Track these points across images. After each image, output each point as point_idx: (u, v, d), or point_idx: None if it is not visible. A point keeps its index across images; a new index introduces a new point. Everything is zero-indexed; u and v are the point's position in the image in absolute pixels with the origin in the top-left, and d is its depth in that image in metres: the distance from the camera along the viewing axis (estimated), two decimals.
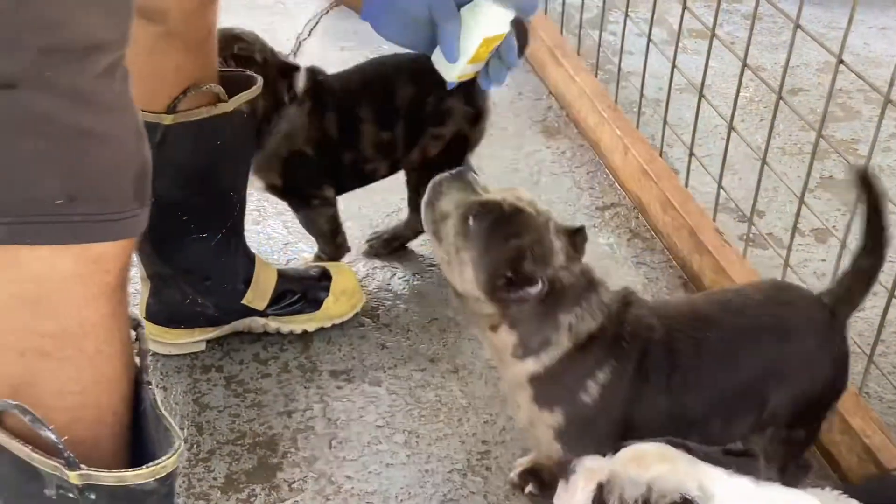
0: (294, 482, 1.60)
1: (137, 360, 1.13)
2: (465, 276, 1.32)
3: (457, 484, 1.61)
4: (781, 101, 1.73)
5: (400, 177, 2.31)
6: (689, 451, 1.10)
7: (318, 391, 1.76)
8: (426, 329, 1.90)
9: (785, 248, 1.79)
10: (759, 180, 1.84)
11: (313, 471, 1.62)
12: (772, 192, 2.24)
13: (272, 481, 1.60)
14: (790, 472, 1.48)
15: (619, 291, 1.40)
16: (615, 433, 1.36)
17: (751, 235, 1.93)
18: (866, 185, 1.35)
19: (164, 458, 1.03)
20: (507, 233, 1.30)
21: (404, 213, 2.19)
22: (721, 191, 1.98)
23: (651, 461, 1.08)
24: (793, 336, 1.39)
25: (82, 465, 1.00)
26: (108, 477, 1.02)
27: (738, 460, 1.10)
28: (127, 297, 1.11)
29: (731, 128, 1.88)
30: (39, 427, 0.98)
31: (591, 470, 1.11)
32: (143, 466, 1.02)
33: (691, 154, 2.05)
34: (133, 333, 1.13)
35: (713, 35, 1.90)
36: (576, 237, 1.36)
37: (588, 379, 1.33)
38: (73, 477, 1.01)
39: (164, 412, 1.09)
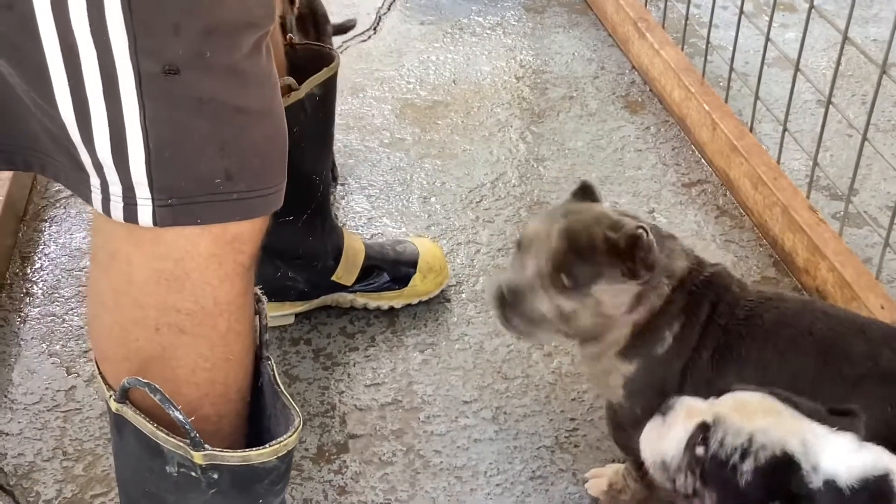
0: (384, 455, 1.62)
1: (257, 335, 1.14)
2: (617, 300, 1.31)
3: (545, 461, 1.60)
4: (883, 76, 1.68)
5: (481, 151, 2.30)
6: (795, 405, 1.08)
7: (404, 365, 1.77)
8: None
9: (882, 228, 1.74)
10: (859, 156, 1.79)
11: (402, 444, 1.63)
12: (865, 169, 2.17)
13: (363, 454, 1.62)
14: None
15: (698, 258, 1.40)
16: (667, 391, 1.32)
17: (848, 213, 1.88)
18: None
19: (284, 436, 1.04)
20: (591, 246, 1.28)
21: (488, 189, 2.19)
22: (812, 168, 1.92)
23: (755, 411, 1.06)
24: (890, 384, 1.23)
25: (207, 446, 1.02)
26: (233, 457, 1.03)
27: (842, 419, 1.08)
28: (254, 277, 1.12)
29: (829, 102, 1.83)
30: (168, 406, 1.00)
31: (692, 408, 1.10)
32: (266, 445, 1.03)
33: (784, 129, 2.00)
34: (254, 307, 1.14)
35: (811, 7, 1.85)
36: (589, 194, 1.42)
37: (667, 329, 1.32)
38: (197, 457, 1.02)
39: (282, 388, 1.10)
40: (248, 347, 1.11)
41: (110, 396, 1.06)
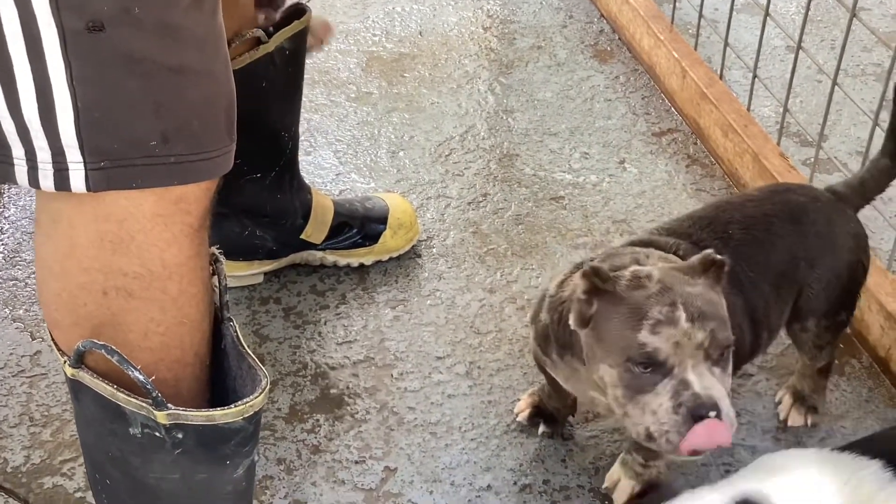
0: (357, 413, 1.60)
1: (216, 297, 1.12)
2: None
3: None
4: (852, 21, 1.66)
5: (449, 104, 2.27)
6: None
7: (376, 322, 1.76)
8: (482, 260, 1.88)
9: (851, 173, 1.73)
10: (829, 102, 1.77)
11: (375, 402, 1.62)
12: (835, 115, 2.17)
13: (335, 412, 1.60)
14: (832, 352, 1.51)
15: (642, 239, 1.36)
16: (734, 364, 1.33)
17: (818, 159, 1.87)
18: None
19: (251, 396, 1.02)
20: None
21: (457, 142, 2.16)
22: (782, 114, 1.91)
23: None
24: (802, 218, 1.39)
25: (170, 405, 1.00)
26: (197, 416, 1.01)
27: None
28: (207, 238, 1.09)
29: (798, 47, 1.81)
30: (126, 367, 0.97)
31: None
32: (231, 405, 1.01)
33: (754, 76, 1.98)
34: (210, 268, 1.11)
35: None
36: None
37: None
38: (160, 416, 1.00)
39: (247, 349, 1.08)
40: (203, 310, 1.08)
41: (65, 362, 1.04)
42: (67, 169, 0.94)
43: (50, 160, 0.94)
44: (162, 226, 1.00)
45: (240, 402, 1.02)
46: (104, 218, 0.98)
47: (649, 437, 1.17)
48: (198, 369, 1.09)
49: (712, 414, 1.12)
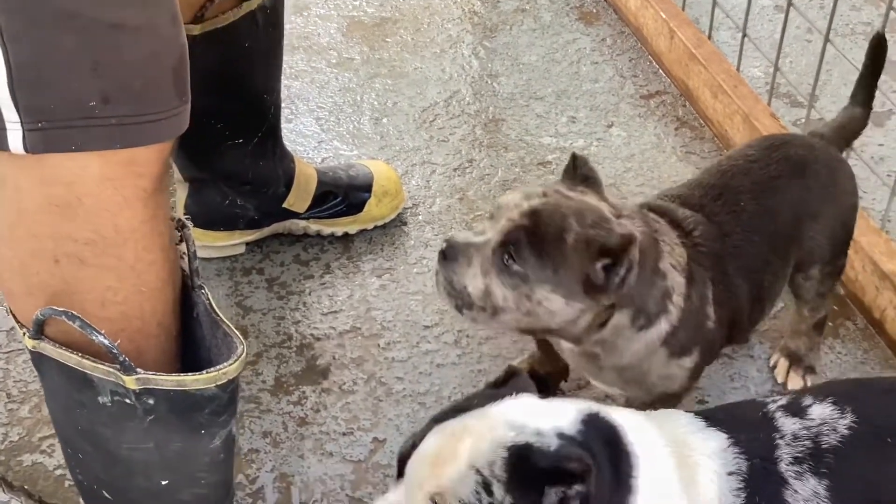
0: (344, 384, 1.57)
1: (185, 264, 1.07)
2: (554, 307, 1.16)
3: None
4: None
5: (433, 69, 2.22)
6: (460, 410, 0.98)
7: (361, 292, 1.72)
8: (470, 226, 1.84)
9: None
10: (821, 60, 1.74)
11: (363, 372, 1.59)
12: (825, 75, 2.13)
13: (322, 383, 1.57)
14: (826, 305, 1.50)
15: (650, 205, 1.32)
16: (723, 342, 1.32)
17: (809, 119, 1.84)
18: (878, 50, 1.49)
19: (225, 364, 0.98)
20: (557, 236, 1.14)
21: (441, 107, 2.11)
22: (771, 74, 1.87)
23: (450, 450, 0.94)
24: (805, 172, 1.37)
25: (139, 370, 0.96)
26: (167, 381, 0.97)
27: (505, 387, 1.01)
28: (167, 202, 1.05)
29: (789, 4, 1.77)
30: (90, 332, 0.93)
31: None
32: (204, 371, 0.98)
33: (744, 35, 1.94)
34: (178, 235, 1.07)
35: None
36: (580, 168, 1.24)
37: (707, 307, 1.26)
38: (129, 382, 0.96)
39: (221, 316, 1.04)
40: (164, 278, 1.04)
41: (24, 334, 1.00)
42: (5, 129, 0.90)
43: None
44: (111, 189, 0.95)
45: (212, 369, 0.98)
46: (50, 181, 0.94)
47: None
48: (163, 340, 1.05)
49: (443, 245, 1.18)
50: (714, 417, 1.05)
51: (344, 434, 1.50)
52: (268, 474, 1.45)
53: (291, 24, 2.33)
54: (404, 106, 2.12)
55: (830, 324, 1.58)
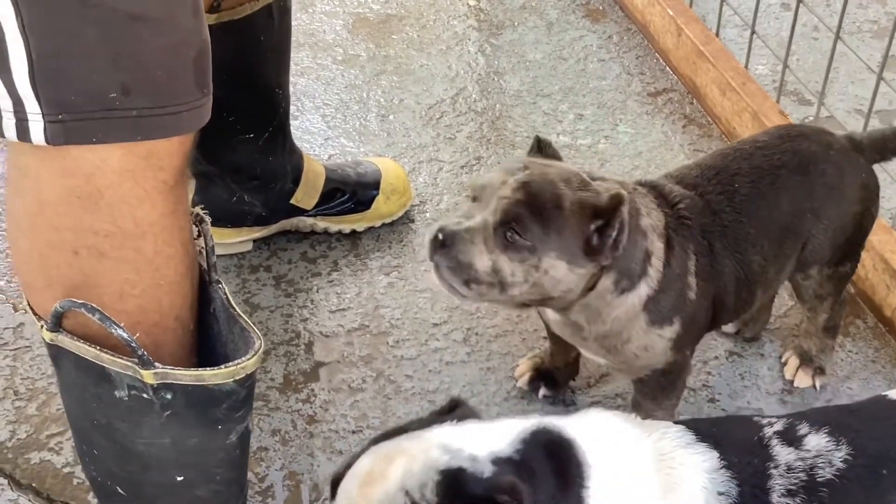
0: (353, 382, 1.56)
1: (203, 258, 1.07)
2: (559, 274, 1.16)
3: None
4: None
5: (439, 66, 2.21)
6: (402, 431, 0.96)
7: (370, 289, 1.71)
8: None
9: (852, 131, 1.69)
10: (832, 57, 1.73)
11: (371, 370, 1.58)
12: (832, 73, 2.12)
13: (331, 381, 1.56)
14: (836, 309, 1.47)
15: (642, 181, 1.32)
16: (712, 318, 1.30)
17: (819, 117, 1.83)
18: None
19: (243, 358, 0.97)
20: (555, 204, 1.14)
21: (448, 104, 2.11)
22: (778, 72, 1.87)
23: (382, 470, 0.91)
24: (811, 168, 1.34)
25: (157, 364, 0.95)
26: (186, 375, 0.96)
27: (449, 415, 0.98)
28: (186, 196, 1.04)
29: (799, 1, 1.76)
30: (109, 325, 0.92)
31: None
32: (222, 366, 0.97)
33: (752, 32, 1.94)
34: (196, 230, 1.06)
35: None
36: (545, 150, 1.25)
37: (688, 277, 1.26)
38: (147, 376, 0.95)
39: (238, 311, 1.03)
40: (182, 272, 1.03)
41: (42, 327, 0.99)
42: (27, 119, 0.89)
43: (11, 108, 0.89)
44: (132, 181, 0.95)
45: (231, 364, 0.97)
46: (71, 173, 0.93)
47: None
48: (179, 334, 1.04)
49: (439, 237, 1.15)
50: (706, 432, 1.02)
51: (353, 432, 1.49)
52: (277, 472, 1.44)
53: (297, 20, 2.32)
54: (411, 103, 2.12)
55: (841, 322, 1.57)
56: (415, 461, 0.90)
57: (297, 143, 1.77)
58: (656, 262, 1.22)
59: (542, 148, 1.25)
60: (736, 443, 1.01)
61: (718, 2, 2.04)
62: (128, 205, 0.96)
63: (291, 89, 2.09)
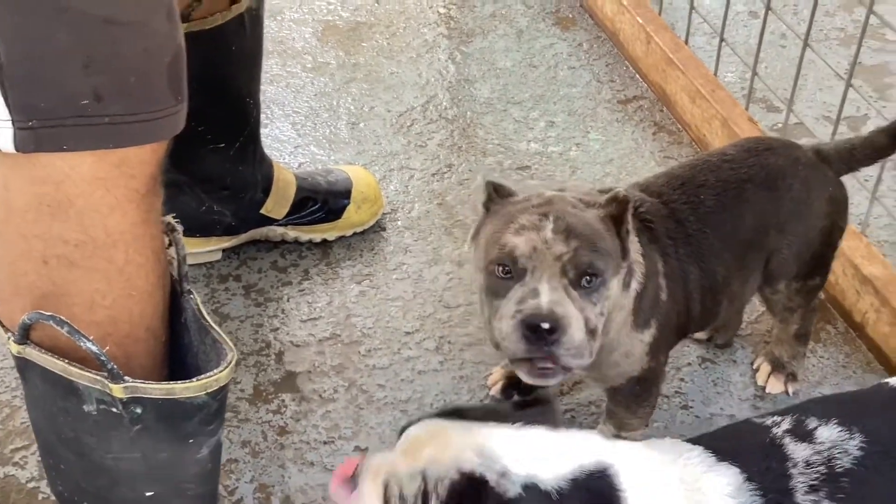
0: (324, 392, 1.54)
1: (174, 268, 1.05)
2: (614, 292, 1.16)
3: None
4: None
5: (409, 73, 2.20)
6: (465, 414, 0.96)
7: (341, 298, 1.69)
8: (449, 232, 1.82)
9: (820, 138, 1.71)
10: (801, 63, 1.75)
11: (343, 380, 1.56)
12: (800, 80, 2.13)
13: (302, 392, 1.54)
14: (806, 317, 1.47)
15: (603, 189, 1.31)
16: (680, 326, 1.30)
17: (788, 124, 1.84)
18: None
19: (216, 370, 0.96)
20: (594, 230, 1.15)
21: (418, 112, 2.10)
22: (747, 79, 1.88)
23: (421, 446, 0.93)
24: (778, 183, 1.34)
25: (127, 378, 0.93)
26: (156, 389, 0.94)
27: (527, 412, 0.97)
28: (160, 205, 1.02)
29: (768, 8, 1.78)
30: (78, 338, 0.90)
31: (376, 470, 0.96)
32: (194, 379, 0.95)
33: (721, 40, 1.95)
34: (167, 239, 1.04)
35: None
36: (501, 191, 1.22)
37: (658, 278, 1.26)
38: (116, 390, 0.93)
39: (210, 322, 1.01)
40: (154, 282, 1.01)
41: (9, 338, 0.96)
42: None
43: None
44: (103, 190, 0.93)
45: (203, 376, 0.96)
46: (41, 180, 0.91)
47: (496, 343, 1.15)
48: (151, 345, 1.02)
49: (545, 325, 1.07)
50: (723, 449, 1.00)
51: (325, 443, 1.47)
52: (247, 485, 1.42)
53: (265, 28, 2.29)
54: (381, 111, 2.11)
55: (812, 329, 1.58)
56: (447, 451, 0.89)
57: (267, 151, 1.76)
58: (638, 259, 1.22)
59: (497, 191, 1.21)
60: (751, 451, 1.01)
61: (687, 10, 2.05)
62: (99, 213, 0.95)
63: (261, 97, 2.08)
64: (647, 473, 0.96)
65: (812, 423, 1.02)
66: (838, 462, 0.98)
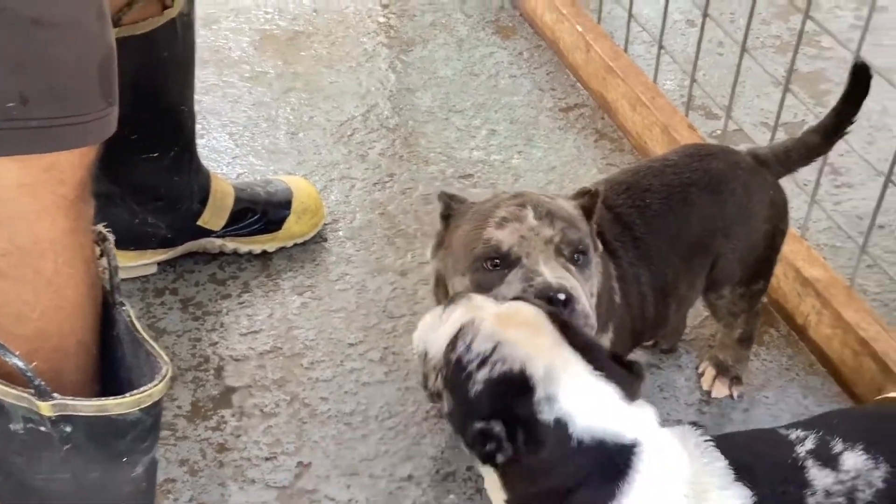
0: (265, 406, 1.50)
1: (106, 279, 1.00)
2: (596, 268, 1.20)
3: None
4: None
5: (349, 82, 2.18)
6: (568, 332, 0.96)
7: (282, 310, 1.66)
8: (392, 242, 1.80)
9: (759, 144, 1.72)
10: (738, 70, 1.76)
11: (285, 394, 1.52)
12: (738, 87, 2.15)
13: (242, 407, 1.50)
14: (750, 321, 1.48)
15: (549, 195, 1.32)
16: (635, 331, 1.29)
17: (727, 131, 1.85)
18: (859, 79, 1.33)
19: (149, 385, 0.92)
20: (570, 213, 1.18)
21: (359, 121, 2.07)
22: (686, 86, 1.89)
23: (516, 323, 0.95)
24: (721, 187, 1.34)
25: (55, 395, 0.88)
26: (87, 406, 0.90)
27: (618, 369, 0.97)
28: (90, 212, 0.98)
29: (705, 15, 1.79)
30: (4, 353, 0.86)
31: (472, 309, 0.99)
32: (127, 395, 0.91)
33: (660, 47, 1.96)
34: (98, 249, 1.00)
35: None
36: (455, 200, 1.24)
37: (612, 281, 1.25)
38: (44, 408, 0.89)
39: (144, 335, 0.97)
40: (84, 293, 0.97)
41: None
42: None
43: None
44: (30, 196, 0.89)
45: (136, 391, 0.92)
46: None
47: None
48: (81, 359, 0.98)
49: (561, 296, 1.07)
50: (743, 465, 0.97)
51: (266, 459, 1.43)
52: None
53: (201, 37, 2.26)
54: (321, 120, 2.07)
55: (755, 332, 1.58)
56: (528, 346, 0.92)
57: (205, 162, 1.71)
58: (595, 261, 1.21)
59: (452, 199, 1.22)
60: (771, 471, 0.98)
61: (626, 18, 2.06)
62: (26, 221, 0.91)
63: (197, 107, 2.02)
64: (666, 468, 0.96)
65: (837, 445, 0.98)
66: (860, 495, 0.95)
